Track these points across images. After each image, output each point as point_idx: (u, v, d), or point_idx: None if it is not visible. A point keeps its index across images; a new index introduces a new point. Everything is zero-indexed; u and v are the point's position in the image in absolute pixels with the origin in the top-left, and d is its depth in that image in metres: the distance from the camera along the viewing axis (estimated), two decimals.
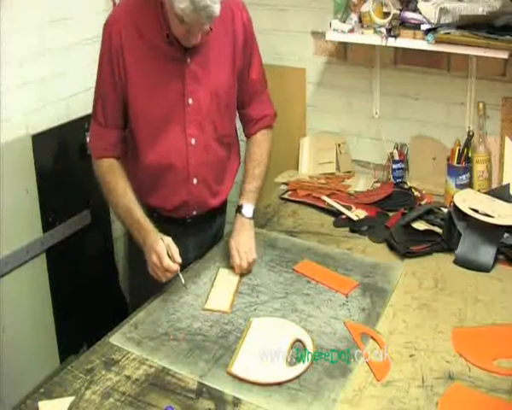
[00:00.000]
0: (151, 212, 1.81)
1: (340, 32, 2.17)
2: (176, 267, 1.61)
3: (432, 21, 1.95)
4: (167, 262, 1.59)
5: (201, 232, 1.91)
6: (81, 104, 2.28)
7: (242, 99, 1.86)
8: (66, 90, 2.26)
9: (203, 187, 1.82)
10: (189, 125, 1.73)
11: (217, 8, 1.47)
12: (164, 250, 1.59)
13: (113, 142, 1.75)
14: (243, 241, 1.76)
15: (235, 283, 1.70)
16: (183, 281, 1.65)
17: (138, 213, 1.68)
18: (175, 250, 1.61)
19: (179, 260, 1.61)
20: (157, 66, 1.66)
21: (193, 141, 1.75)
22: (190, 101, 1.71)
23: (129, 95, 1.68)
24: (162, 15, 1.59)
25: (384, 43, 2.08)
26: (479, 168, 2.12)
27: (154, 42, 1.64)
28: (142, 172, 1.79)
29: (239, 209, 1.82)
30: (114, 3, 2.38)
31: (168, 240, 1.62)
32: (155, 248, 1.60)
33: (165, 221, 1.81)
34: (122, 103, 1.71)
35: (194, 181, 1.80)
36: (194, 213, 1.86)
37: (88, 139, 1.79)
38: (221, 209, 1.96)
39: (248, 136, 1.93)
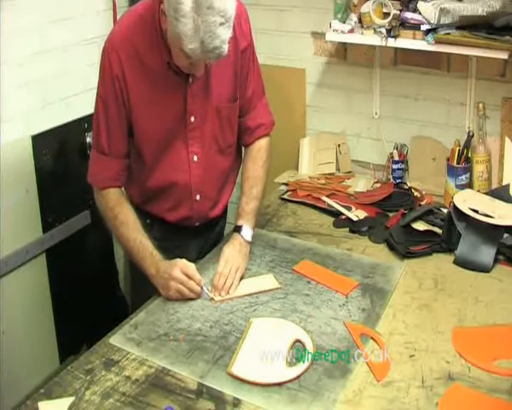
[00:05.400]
0: (152, 219, 1.82)
1: (340, 32, 2.17)
2: (199, 289, 1.62)
3: (432, 22, 1.95)
4: (191, 284, 1.61)
5: (203, 237, 1.91)
6: (81, 104, 2.28)
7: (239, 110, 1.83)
8: (66, 90, 2.26)
9: (206, 201, 1.82)
10: (191, 142, 1.72)
11: (225, 48, 1.44)
12: (183, 275, 1.60)
13: (118, 171, 1.72)
14: (236, 256, 1.71)
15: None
16: (211, 295, 1.63)
17: (150, 246, 1.67)
18: (193, 270, 1.62)
19: (200, 278, 1.63)
20: (158, 88, 1.63)
21: (195, 158, 1.74)
22: (192, 119, 1.69)
23: (132, 119, 1.66)
24: (163, 43, 1.56)
25: (384, 44, 2.09)
26: (478, 169, 2.12)
27: (155, 67, 1.61)
28: (144, 187, 1.78)
29: (238, 229, 1.77)
30: (114, 4, 2.38)
31: (183, 262, 1.63)
32: (173, 275, 1.60)
33: (166, 229, 1.82)
34: (127, 130, 1.68)
35: (197, 197, 1.79)
36: (197, 224, 1.86)
37: (89, 170, 1.74)
38: (223, 214, 1.96)
39: (245, 145, 1.90)
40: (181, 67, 1.58)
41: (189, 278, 1.61)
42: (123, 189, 1.77)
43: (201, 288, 1.63)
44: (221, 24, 1.40)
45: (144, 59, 1.61)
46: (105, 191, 1.71)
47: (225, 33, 1.42)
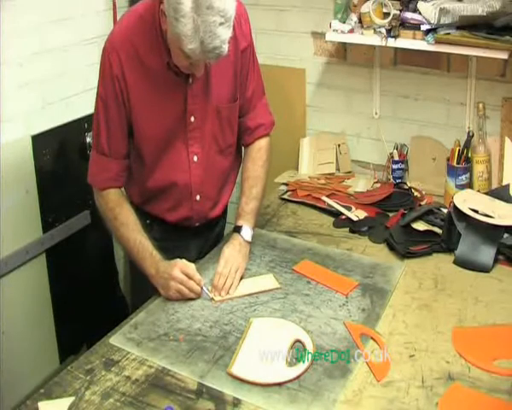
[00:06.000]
0: (152, 219, 1.81)
1: (340, 32, 2.17)
2: (199, 289, 1.62)
3: (432, 22, 1.95)
4: (191, 284, 1.61)
5: (203, 237, 1.92)
6: (81, 104, 2.28)
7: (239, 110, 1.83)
8: (66, 90, 2.26)
9: (206, 201, 1.82)
10: (191, 142, 1.72)
11: (225, 48, 1.44)
12: (182, 275, 1.61)
13: (118, 172, 1.71)
14: (235, 256, 1.72)
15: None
16: (211, 295, 1.64)
17: (150, 246, 1.67)
18: (193, 270, 1.62)
19: (200, 278, 1.63)
20: (158, 88, 1.63)
21: (195, 158, 1.74)
22: (192, 119, 1.69)
23: (132, 119, 1.66)
24: (163, 43, 1.56)
25: (384, 44, 2.08)
26: (478, 169, 2.12)
27: (155, 67, 1.61)
28: (144, 187, 1.78)
29: (238, 229, 1.78)
30: (114, 4, 2.38)
31: (183, 262, 1.63)
32: (173, 275, 1.61)
33: (166, 229, 1.82)
34: (127, 130, 1.68)
35: (197, 198, 1.79)
36: (197, 224, 1.86)
37: (89, 170, 1.74)
38: (222, 214, 1.97)
39: (245, 145, 1.90)
40: (181, 68, 1.58)
41: (189, 277, 1.61)
42: (122, 189, 1.77)
43: (201, 288, 1.63)
44: (221, 24, 1.40)
45: (144, 59, 1.61)
46: (105, 192, 1.71)
47: (225, 33, 1.42)
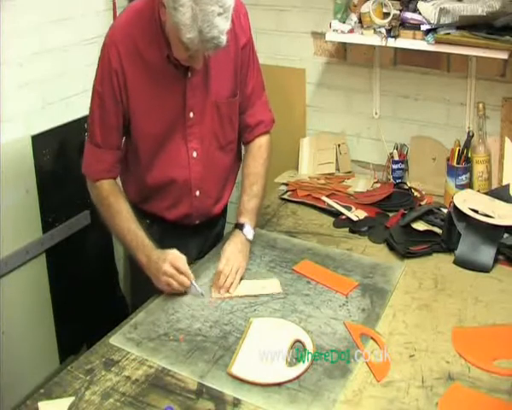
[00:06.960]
0: (152, 219, 1.81)
1: (340, 32, 2.17)
2: (188, 282, 1.62)
3: (432, 22, 1.95)
4: (182, 279, 1.61)
5: (203, 235, 1.92)
6: (81, 104, 2.28)
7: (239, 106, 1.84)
8: (66, 90, 2.27)
9: (206, 198, 1.82)
10: (190, 138, 1.72)
11: (224, 39, 1.45)
12: (173, 269, 1.60)
13: (112, 162, 1.72)
14: (236, 255, 1.72)
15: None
16: (200, 290, 1.64)
17: (144, 236, 1.67)
18: (183, 264, 1.62)
19: (189, 272, 1.63)
20: (157, 82, 1.64)
21: (194, 154, 1.74)
22: (191, 114, 1.70)
23: (131, 114, 1.67)
24: (162, 36, 1.57)
25: (384, 44, 2.08)
26: (478, 169, 2.12)
27: (154, 60, 1.62)
28: (143, 185, 1.78)
29: (239, 227, 1.77)
30: (114, 4, 2.38)
31: (174, 256, 1.63)
32: (163, 269, 1.60)
33: (165, 228, 1.82)
34: (122, 123, 1.69)
35: (197, 193, 1.79)
36: (197, 222, 1.86)
37: (84, 161, 1.74)
38: (223, 213, 1.96)
39: (245, 143, 1.90)
40: (180, 60, 1.59)
41: (180, 272, 1.61)
42: (118, 179, 1.77)
43: (191, 283, 1.63)
44: (219, 14, 1.41)
45: (144, 53, 1.61)
46: (99, 183, 1.72)
47: (223, 24, 1.43)
